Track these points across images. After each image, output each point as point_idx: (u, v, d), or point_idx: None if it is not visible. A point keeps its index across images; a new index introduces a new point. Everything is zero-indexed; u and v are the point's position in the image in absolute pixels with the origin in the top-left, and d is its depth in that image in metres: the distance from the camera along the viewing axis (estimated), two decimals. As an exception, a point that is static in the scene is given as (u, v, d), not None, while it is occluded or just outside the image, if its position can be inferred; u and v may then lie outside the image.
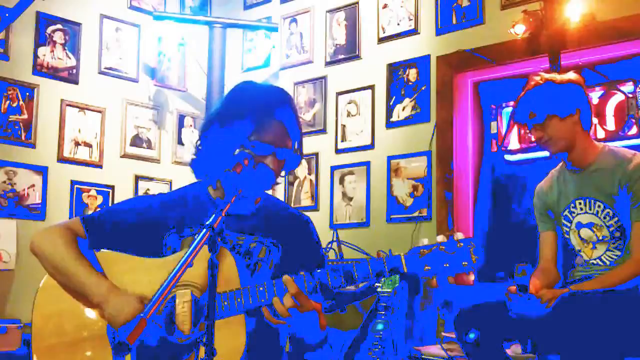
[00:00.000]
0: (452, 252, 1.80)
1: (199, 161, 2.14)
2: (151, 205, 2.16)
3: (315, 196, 4.90)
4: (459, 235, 1.82)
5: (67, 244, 2.03)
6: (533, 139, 2.75)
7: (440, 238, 1.83)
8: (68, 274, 1.99)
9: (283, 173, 2.14)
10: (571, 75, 2.73)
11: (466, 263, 1.79)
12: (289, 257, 2.12)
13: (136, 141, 5.13)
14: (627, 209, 2.56)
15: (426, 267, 1.80)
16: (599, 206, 2.62)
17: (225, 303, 1.87)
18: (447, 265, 1.80)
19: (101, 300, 1.92)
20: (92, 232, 2.09)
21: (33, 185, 4.57)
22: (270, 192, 2.20)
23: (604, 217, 2.61)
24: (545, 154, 3.78)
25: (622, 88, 3.78)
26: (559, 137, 2.64)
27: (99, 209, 4.76)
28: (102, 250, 2.09)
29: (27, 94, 4.60)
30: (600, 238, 2.63)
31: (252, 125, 2.02)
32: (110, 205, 4.79)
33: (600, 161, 2.66)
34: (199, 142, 2.14)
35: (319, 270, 1.87)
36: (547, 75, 2.72)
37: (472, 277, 1.81)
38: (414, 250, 1.83)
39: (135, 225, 2.11)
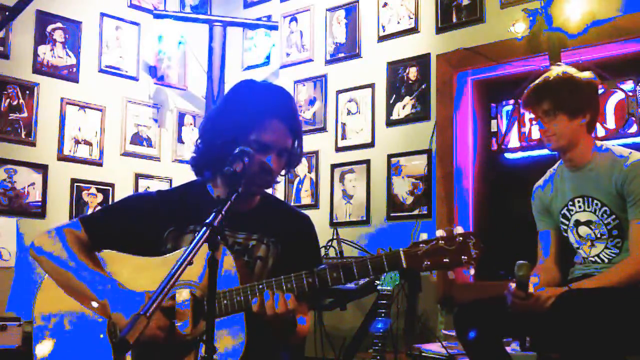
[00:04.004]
0: (451, 247, 1.79)
1: (198, 159, 2.14)
2: (150, 203, 2.15)
3: (315, 194, 4.90)
4: (459, 230, 1.80)
5: (67, 245, 2.02)
6: (538, 127, 2.71)
7: (440, 232, 1.81)
8: (71, 275, 1.98)
9: (284, 172, 2.14)
10: (590, 75, 2.70)
11: (466, 258, 1.77)
12: (288, 255, 2.12)
13: (136, 139, 5.13)
14: (624, 207, 2.56)
15: (426, 263, 1.79)
16: (596, 204, 2.62)
17: (225, 301, 1.87)
18: (447, 260, 1.78)
19: (107, 299, 1.90)
20: (91, 232, 2.08)
21: (33, 184, 4.57)
22: (270, 190, 2.20)
23: (602, 215, 2.61)
24: (545, 152, 3.80)
25: (622, 86, 3.78)
26: (563, 136, 2.62)
27: (99, 207, 4.76)
28: (102, 250, 2.09)
29: (27, 92, 4.60)
30: (598, 236, 2.63)
31: (252, 124, 2.01)
32: (109, 203, 4.79)
33: (597, 159, 2.65)
34: (199, 141, 2.14)
35: (318, 268, 1.87)
36: (569, 70, 2.69)
37: (472, 272, 1.79)
38: (414, 245, 1.82)
39: (134, 224, 2.10)
